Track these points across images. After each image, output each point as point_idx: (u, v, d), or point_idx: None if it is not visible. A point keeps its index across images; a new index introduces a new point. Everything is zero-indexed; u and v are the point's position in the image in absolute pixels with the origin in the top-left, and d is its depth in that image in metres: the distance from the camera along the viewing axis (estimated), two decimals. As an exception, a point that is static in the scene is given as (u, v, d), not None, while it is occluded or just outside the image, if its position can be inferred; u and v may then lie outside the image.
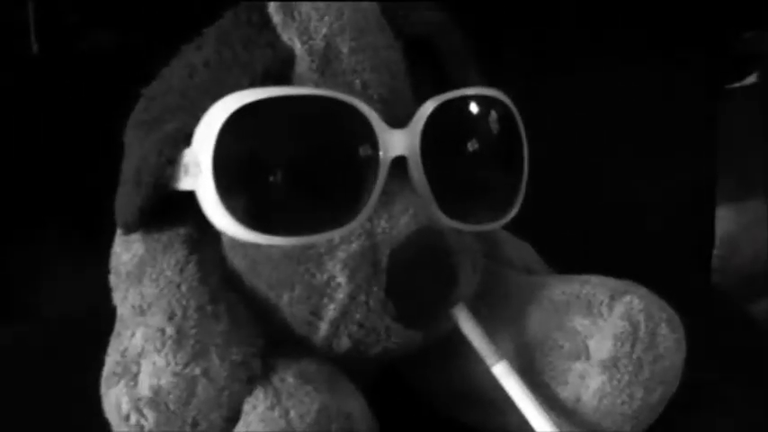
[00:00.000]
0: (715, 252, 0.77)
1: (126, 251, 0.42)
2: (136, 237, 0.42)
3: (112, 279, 0.42)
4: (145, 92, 0.43)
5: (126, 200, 0.40)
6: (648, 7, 0.68)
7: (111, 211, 0.41)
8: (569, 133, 0.68)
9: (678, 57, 0.71)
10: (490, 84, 0.44)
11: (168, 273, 0.40)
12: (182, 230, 0.41)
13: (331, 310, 0.39)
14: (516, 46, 0.67)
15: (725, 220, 0.77)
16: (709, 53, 0.72)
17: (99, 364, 0.40)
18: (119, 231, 0.43)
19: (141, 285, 0.40)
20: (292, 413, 0.37)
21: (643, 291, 0.43)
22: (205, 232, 0.41)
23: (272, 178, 0.38)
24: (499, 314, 0.44)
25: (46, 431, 0.47)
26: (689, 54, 0.71)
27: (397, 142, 0.40)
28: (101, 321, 0.41)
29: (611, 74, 0.69)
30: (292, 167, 0.38)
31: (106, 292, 0.42)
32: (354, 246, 0.39)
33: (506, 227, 0.46)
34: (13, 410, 0.49)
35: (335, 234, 0.39)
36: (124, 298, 0.41)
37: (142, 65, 0.43)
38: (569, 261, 0.49)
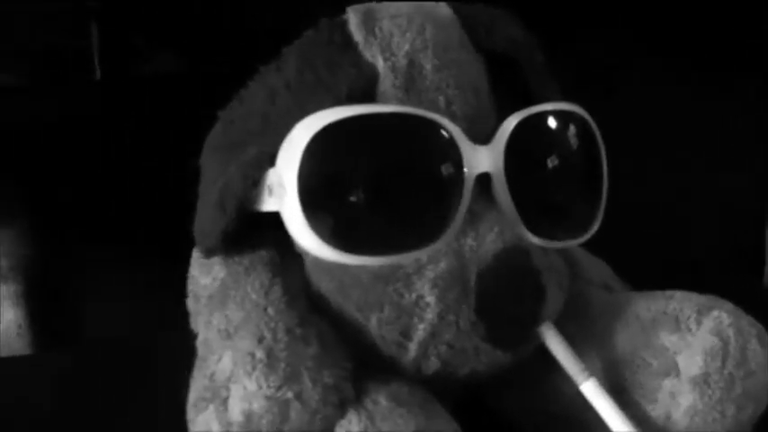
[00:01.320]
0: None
1: (205, 275, 0.42)
2: (216, 260, 0.41)
3: (190, 303, 0.42)
4: (222, 114, 0.43)
5: (208, 223, 0.40)
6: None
7: (157, 236, 0.40)
8: (629, 147, 0.67)
9: (735, 71, 0.70)
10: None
11: (253, 296, 0.39)
12: (263, 253, 0.41)
13: (420, 331, 0.39)
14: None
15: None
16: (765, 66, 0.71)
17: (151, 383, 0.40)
18: (195, 255, 0.43)
19: (226, 309, 0.40)
20: None
21: (730, 306, 0.42)
22: (287, 256, 0.41)
23: (357, 197, 0.37)
24: (586, 333, 0.43)
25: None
26: (745, 68, 0.70)
27: (482, 159, 0.39)
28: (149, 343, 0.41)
29: (671, 87, 0.69)
30: (378, 186, 0.38)
31: (150, 315, 0.41)
32: (442, 265, 0.38)
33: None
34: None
35: (423, 253, 0.38)
36: (208, 322, 0.40)
37: (206, 88, 0.42)
38: (632, 272, 0.50)
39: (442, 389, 0.41)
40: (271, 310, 0.39)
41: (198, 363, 0.40)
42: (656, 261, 0.44)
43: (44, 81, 0.60)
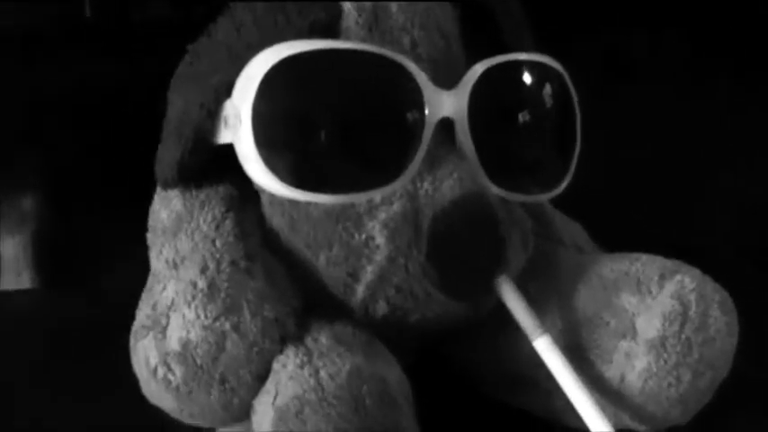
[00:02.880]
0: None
1: (164, 208, 0.41)
2: (175, 193, 0.41)
3: (150, 237, 0.42)
4: (191, 48, 0.43)
5: (166, 154, 0.40)
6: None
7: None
8: (653, 133, 0.66)
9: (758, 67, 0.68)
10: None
11: (204, 228, 0.39)
12: (221, 188, 0.41)
13: (369, 273, 0.38)
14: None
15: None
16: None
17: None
18: (158, 189, 0.43)
19: (176, 240, 0.39)
20: (322, 373, 0.35)
21: (696, 271, 0.41)
22: (245, 191, 0.40)
23: (312, 134, 0.37)
24: (547, 291, 0.42)
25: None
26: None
27: (445, 103, 0.38)
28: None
29: (699, 77, 0.67)
30: (334, 124, 0.37)
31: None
32: (396, 207, 0.38)
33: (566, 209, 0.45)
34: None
35: (377, 194, 0.38)
36: (159, 253, 0.40)
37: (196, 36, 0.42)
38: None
39: (395, 338, 0.40)
40: (218, 243, 0.38)
41: (144, 293, 0.40)
42: (663, 252, 0.43)
43: (36, 23, 0.59)
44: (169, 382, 0.37)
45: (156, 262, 0.40)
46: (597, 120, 0.61)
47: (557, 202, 0.49)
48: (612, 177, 0.64)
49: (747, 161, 0.69)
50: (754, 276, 0.66)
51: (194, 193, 0.41)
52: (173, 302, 0.37)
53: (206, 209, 0.40)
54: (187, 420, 0.38)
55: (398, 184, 0.37)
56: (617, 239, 0.47)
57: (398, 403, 0.36)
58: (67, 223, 0.64)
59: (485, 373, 0.45)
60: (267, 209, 0.40)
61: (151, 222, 0.42)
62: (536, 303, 0.40)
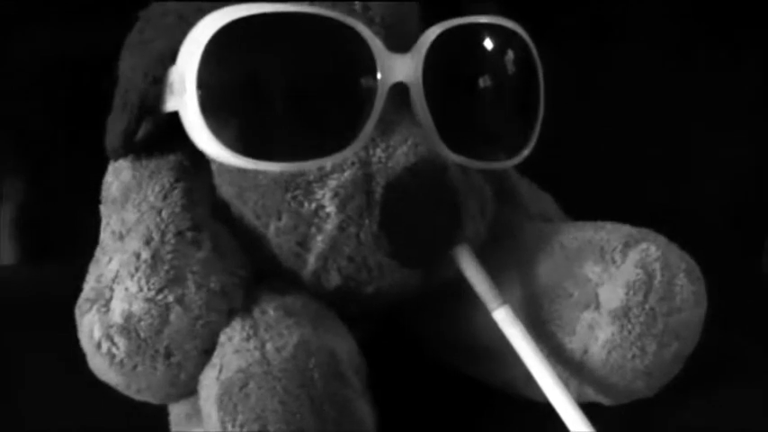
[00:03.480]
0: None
1: (115, 179, 0.40)
2: (125, 164, 0.40)
3: (102, 209, 0.41)
4: (142, 14, 0.41)
5: (113, 124, 0.39)
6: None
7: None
8: (637, 99, 0.65)
9: (743, 33, 0.67)
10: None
11: (151, 198, 0.38)
12: (171, 157, 0.40)
13: (319, 242, 0.37)
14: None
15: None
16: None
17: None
18: (111, 161, 0.41)
19: (124, 211, 0.38)
20: (269, 345, 0.34)
21: (662, 239, 0.40)
22: (196, 160, 0.39)
23: (259, 100, 0.36)
24: (508, 261, 0.41)
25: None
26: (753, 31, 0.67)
27: (398, 68, 0.37)
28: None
29: (674, 46, 0.66)
30: (282, 89, 0.36)
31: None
32: (347, 174, 0.37)
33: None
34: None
35: (327, 161, 0.37)
36: (107, 225, 0.39)
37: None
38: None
39: (351, 310, 0.39)
40: (165, 213, 0.37)
41: (91, 266, 0.39)
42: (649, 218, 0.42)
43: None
44: (113, 356, 0.36)
45: (104, 234, 0.39)
46: (583, 87, 0.61)
47: (536, 172, 0.48)
48: (596, 145, 0.64)
49: (731, 124, 0.67)
50: (738, 239, 0.66)
51: (144, 163, 0.40)
52: (117, 275, 0.36)
53: (155, 179, 0.38)
54: (135, 396, 0.37)
55: (350, 152, 0.36)
56: (596, 208, 0.46)
57: (347, 377, 0.35)
58: (47, 199, 0.64)
59: (444, 345, 0.44)
60: (217, 178, 0.39)
61: (103, 194, 0.41)
62: (496, 274, 0.39)
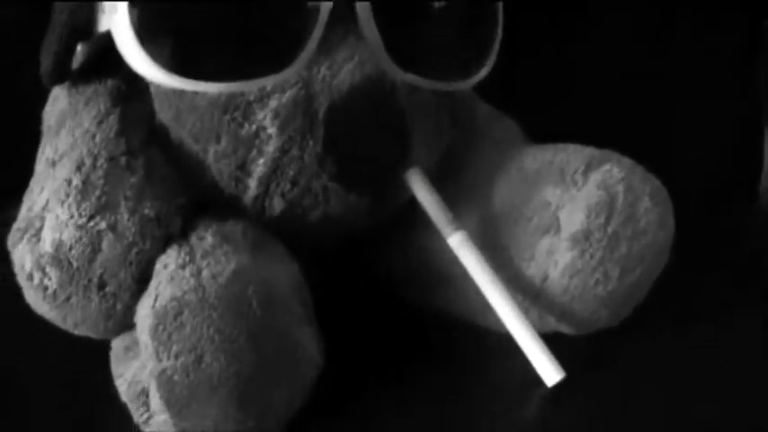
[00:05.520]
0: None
1: (52, 108, 0.39)
2: (62, 92, 0.38)
3: (42, 140, 0.39)
4: None
5: (47, 47, 0.37)
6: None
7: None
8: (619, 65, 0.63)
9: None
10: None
11: (86, 124, 0.36)
12: (109, 83, 0.38)
13: (260, 166, 0.35)
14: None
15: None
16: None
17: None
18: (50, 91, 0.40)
19: (57, 138, 0.37)
20: (205, 272, 0.33)
21: (627, 161, 0.38)
22: (135, 85, 0.37)
23: (194, 15, 0.34)
24: (464, 186, 0.40)
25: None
26: None
27: None
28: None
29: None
30: (219, 4, 0.34)
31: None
32: (288, 94, 0.35)
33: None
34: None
35: (267, 81, 0.35)
36: (42, 153, 0.37)
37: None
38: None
39: (297, 238, 0.37)
40: (98, 138, 0.36)
41: (25, 196, 0.37)
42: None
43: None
44: (45, 288, 0.34)
45: (38, 164, 0.37)
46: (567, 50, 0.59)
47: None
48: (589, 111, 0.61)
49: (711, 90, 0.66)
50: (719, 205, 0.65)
51: (81, 89, 0.38)
52: (47, 203, 0.34)
53: (90, 104, 0.37)
54: (73, 331, 0.36)
55: (291, 71, 0.34)
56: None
57: (288, 306, 0.33)
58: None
59: (400, 274, 0.42)
60: (155, 101, 0.37)
61: (43, 125, 0.39)
62: (452, 199, 0.38)
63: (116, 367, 0.36)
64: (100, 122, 0.36)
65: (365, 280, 0.42)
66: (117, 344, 0.36)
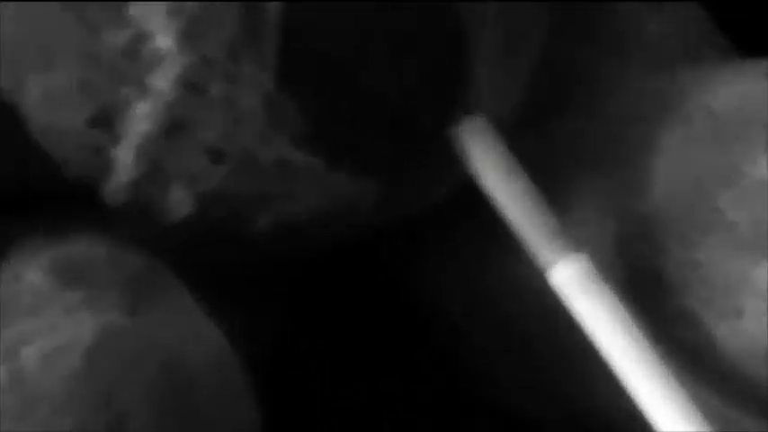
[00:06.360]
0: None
1: None
2: None
3: None
4: None
5: None
6: None
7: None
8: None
9: None
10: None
11: None
12: None
13: (143, 119, 0.20)
14: None
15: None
16: None
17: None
18: None
19: None
20: (29, 350, 0.19)
21: None
22: None
23: None
24: (586, 157, 0.23)
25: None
26: None
27: None
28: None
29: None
30: None
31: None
32: None
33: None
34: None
35: None
36: None
37: None
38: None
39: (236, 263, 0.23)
40: None
41: None
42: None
43: None
44: None
45: None
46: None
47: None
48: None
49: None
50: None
51: None
52: None
53: None
54: None
55: None
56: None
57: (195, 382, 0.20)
58: None
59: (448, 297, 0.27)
60: None
61: None
62: (559, 185, 0.22)
63: None
64: None
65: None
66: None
